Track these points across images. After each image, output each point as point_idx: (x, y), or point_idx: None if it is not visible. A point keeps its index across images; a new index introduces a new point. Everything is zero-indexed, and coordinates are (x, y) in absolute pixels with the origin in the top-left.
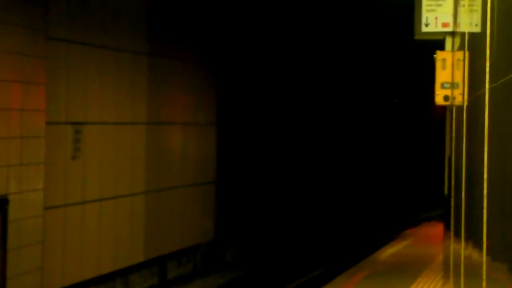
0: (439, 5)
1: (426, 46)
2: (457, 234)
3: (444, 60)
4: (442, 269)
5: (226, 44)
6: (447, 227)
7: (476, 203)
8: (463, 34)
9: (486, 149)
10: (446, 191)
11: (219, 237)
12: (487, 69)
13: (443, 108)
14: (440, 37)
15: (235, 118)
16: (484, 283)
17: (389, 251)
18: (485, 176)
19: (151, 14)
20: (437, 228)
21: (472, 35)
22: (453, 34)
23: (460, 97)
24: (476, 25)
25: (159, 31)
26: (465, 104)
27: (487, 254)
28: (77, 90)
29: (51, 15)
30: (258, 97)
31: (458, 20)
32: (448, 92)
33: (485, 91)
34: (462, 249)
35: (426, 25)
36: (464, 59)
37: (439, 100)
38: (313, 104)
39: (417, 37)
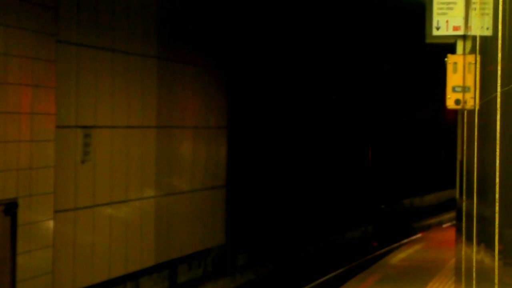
0: (450, 9)
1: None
2: (469, 238)
3: (455, 63)
4: (454, 273)
5: (236, 48)
6: (458, 231)
7: (488, 207)
8: (474, 37)
9: (498, 152)
10: (457, 195)
11: (230, 241)
12: (499, 72)
13: (454, 112)
14: (451, 41)
15: (246, 122)
16: None
17: (400, 256)
18: (497, 179)
19: (162, 18)
20: (449, 232)
21: (483, 38)
22: (464, 37)
23: (471, 100)
24: (488, 28)
25: (170, 35)
26: (477, 107)
27: (499, 258)
28: (87, 94)
29: (61, 19)
30: (267, 101)
31: (469, 24)
32: (459, 95)
33: (496, 94)
34: (474, 253)
35: (437, 28)
36: (475, 63)
37: (450, 103)
38: (319, 106)
39: (428, 40)
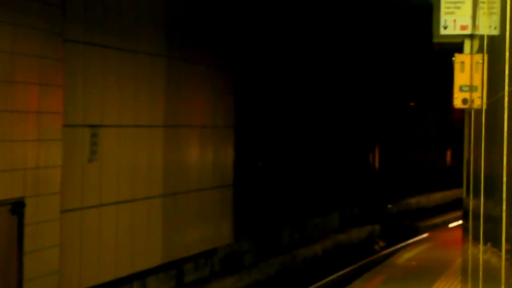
0: (458, 8)
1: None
2: (476, 238)
3: (462, 63)
4: (460, 273)
5: (244, 48)
6: (465, 230)
7: (495, 206)
8: (482, 36)
9: (505, 152)
10: (464, 195)
11: (237, 240)
12: (506, 71)
13: (461, 111)
14: (459, 40)
15: (253, 121)
16: None
17: (406, 255)
18: (504, 179)
19: (170, 17)
20: (455, 232)
21: (491, 37)
22: (471, 36)
23: (479, 100)
24: (495, 27)
25: (178, 34)
26: (484, 107)
27: (506, 258)
28: (94, 93)
29: (69, 17)
30: (274, 101)
31: (477, 23)
32: (466, 95)
33: (504, 94)
34: (480, 253)
35: (445, 27)
36: (483, 62)
37: (457, 103)
38: (326, 106)
39: (435, 40)
